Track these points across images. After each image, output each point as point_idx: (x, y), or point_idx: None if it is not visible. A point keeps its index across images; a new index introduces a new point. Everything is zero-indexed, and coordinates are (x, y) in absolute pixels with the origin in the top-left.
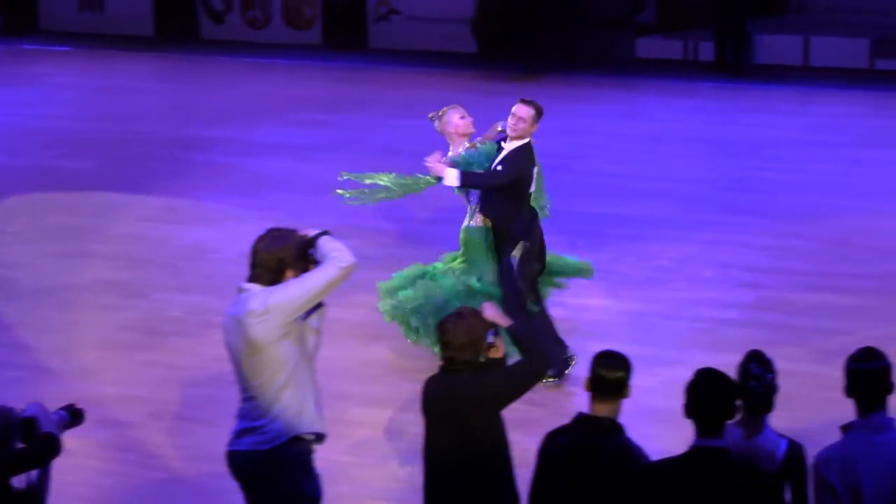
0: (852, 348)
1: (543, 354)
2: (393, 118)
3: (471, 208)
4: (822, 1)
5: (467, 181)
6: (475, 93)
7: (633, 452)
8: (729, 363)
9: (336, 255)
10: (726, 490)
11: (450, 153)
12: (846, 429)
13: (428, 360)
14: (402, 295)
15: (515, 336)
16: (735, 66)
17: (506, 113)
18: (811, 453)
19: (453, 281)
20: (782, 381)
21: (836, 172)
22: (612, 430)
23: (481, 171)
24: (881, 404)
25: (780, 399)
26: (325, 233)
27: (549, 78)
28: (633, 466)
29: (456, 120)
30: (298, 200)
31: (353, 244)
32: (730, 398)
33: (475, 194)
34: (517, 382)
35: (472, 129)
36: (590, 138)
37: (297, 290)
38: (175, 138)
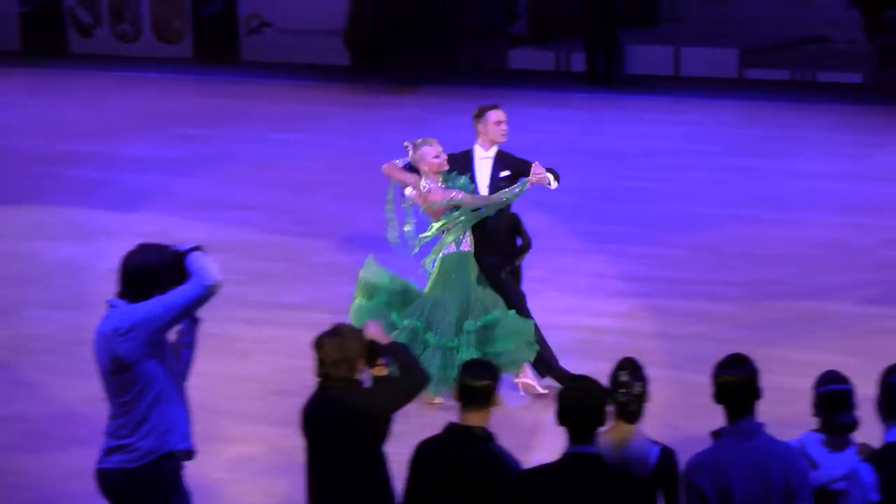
0: (723, 355)
1: (421, 371)
2: (266, 132)
3: (461, 229)
4: (691, 12)
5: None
6: (349, 105)
7: (504, 461)
8: (603, 371)
9: (203, 272)
10: (599, 496)
11: (422, 184)
12: (716, 435)
13: (298, 375)
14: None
15: (395, 353)
16: (607, 76)
17: (383, 125)
18: (685, 459)
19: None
20: (655, 389)
21: (707, 181)
22: (483, 438)
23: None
24: (750, 410)
25: (654, 406)
26: (197, 248)
27: (423, 90)
28: (505, 475)
29: (430, 158)
30: (170, 215)
31: (226, 258)
32: (600, 405)
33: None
34: (394, 398)
35: (445, 168)
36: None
37: (162, 307)
38: (44, 154)
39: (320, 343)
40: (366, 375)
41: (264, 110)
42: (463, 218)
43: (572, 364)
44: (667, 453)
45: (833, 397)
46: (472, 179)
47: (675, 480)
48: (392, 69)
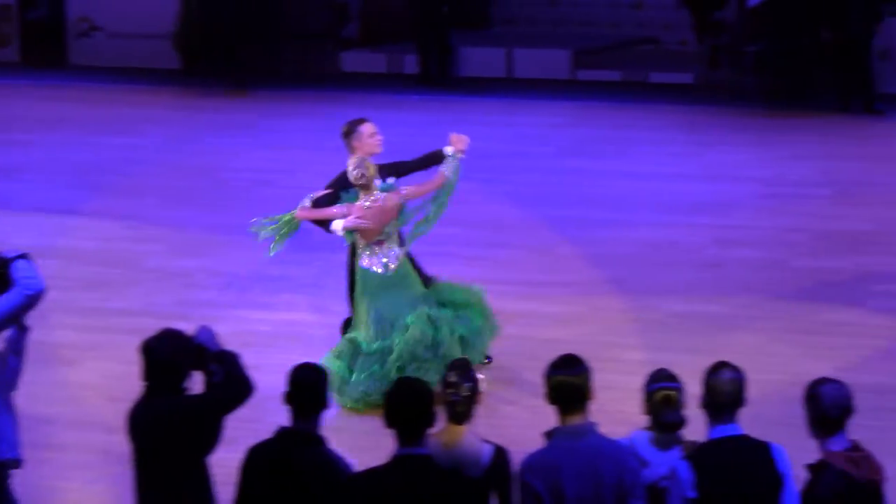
0: (556, 356)
1: (247, 380)
2: (96, 136)
3: (393, 245)
4: (523, 13)
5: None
6: (179, 109)
7: (335, 464)
8: None
9: (27, 280)
10: (431, 498)
11: (363, 203)
12: (549, 435)
13: (129, 381)
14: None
15: (223, 361)
16: (439, 78)
17: (214, 129)
18: (521, 460)
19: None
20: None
21: (540, 182)
22: (314, 442)
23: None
24: (581, 410)
25: (490, 406)
26: (22, 256)
27: (254, 93)
28: (335, 478)
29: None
30: None
31: (55, 265)
32: (428, 406)
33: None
34: (218, 406)
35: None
36: (296, 153)
37: None
38: None
39: (147, 348)
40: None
41: (93, 114)
42: (435, 209)
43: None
44: (499, 453)
45: (662, 396)
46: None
47: (508, 480)
48: (222, 73)
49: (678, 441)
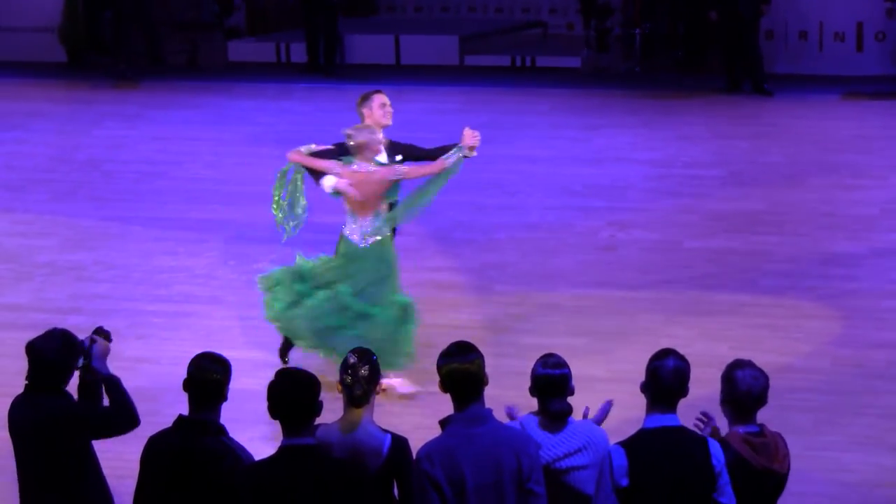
0: (452, 342)
1: (133, 415)
2: None
3: (381, 215)
4: (411, 0)
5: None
6: (66, 102)
7: (233, 453)
8: (327, 362)
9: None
10: (317, 488)
11: (355, 166)
12: (445, 423)
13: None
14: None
15: (108, 387)
16: (328, 66)
17: (102, 121)
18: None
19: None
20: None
21: None
22: (213, 431)
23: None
24: (477, 397)
25: (390, 395)
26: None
27: (142, 85)
28: (234, 468)
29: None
30: None
31: None
32: (311, 396)
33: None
34: (101, 425)
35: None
36: (185, 144)
37: None
38: None
39: (32, 348)
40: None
41: None
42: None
43: (302, 358)
44: (399, 442)
45: (547, 382)
46: None
47: (408, 469)
48: (109, 64)
49: (568, 423)
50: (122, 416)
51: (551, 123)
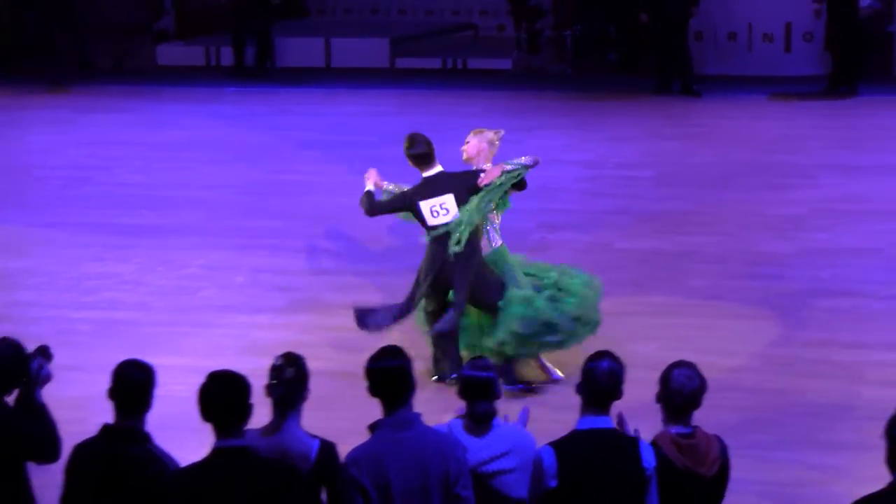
0: (382, 346)
1: (57, 448)
2: None
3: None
4: (340, 3)
5: None
6: None
7: (159, 461)
8: (262, 366)
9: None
10: (250, 490)
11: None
12: (373, 427)
13: None
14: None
15: (38, 413)
16: (258, 70)
17: (32, 126)
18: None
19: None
20: (317, 382)
21: (361, 172)
22: (139, 438)
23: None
24: (405, 401)
25: (316, 399)
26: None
27: (73, 89)
28: (160, 474)
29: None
30: None
31: None
32: (242, 398)
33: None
34: (32, 446)
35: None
36: (113, 149)
37: None
38: None
39: None
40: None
41: None
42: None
43: (230, 362)
44: (327, 447)
45: (474, 385)
46: None
47: (335, 475)
48: (37, 69)
49: (493, 427)
50: (49, 446)
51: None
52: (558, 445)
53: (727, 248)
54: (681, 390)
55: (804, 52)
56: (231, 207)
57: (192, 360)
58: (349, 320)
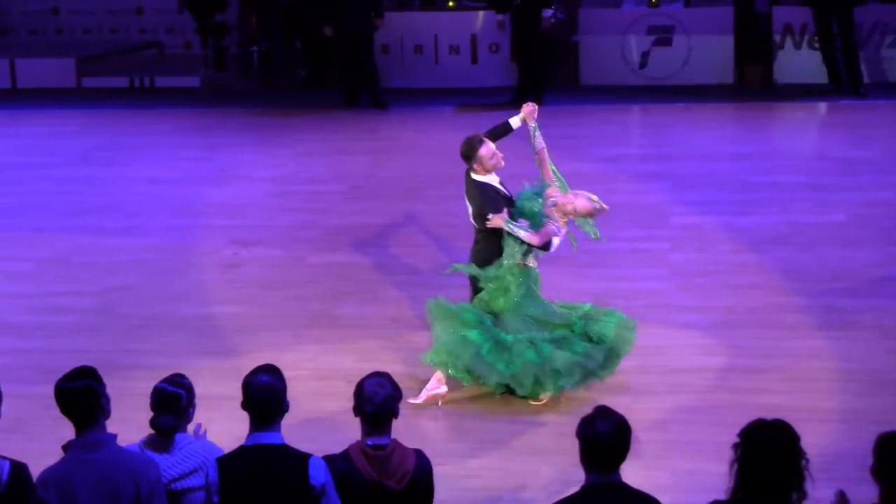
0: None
1: None
2: None
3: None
4: (25, 23)
5: None
6: None
7: None
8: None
9: None
10: None
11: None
12: (65, 448)
13: None
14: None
15: None
16: None
17: None
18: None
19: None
20: (10, 405)
21: (48, 193)
22: None
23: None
24: (94, 421)
25: (12, 422)
26: None
27: None
28: None
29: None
30: None
31: None
32: None
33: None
34: None
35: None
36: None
37: None
38: None
39: None
40: None
41: None
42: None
43: None
44: (18, 468)
45: (160, 397)
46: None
47: (29, 496)
48: None
49: (174, 442)
50: None
51: (172, 144)
52: (221, 461)
53: (418, 258)
54: (371, 399)
55: (490, 63)
56: None
57: None
58: (42, 342)
